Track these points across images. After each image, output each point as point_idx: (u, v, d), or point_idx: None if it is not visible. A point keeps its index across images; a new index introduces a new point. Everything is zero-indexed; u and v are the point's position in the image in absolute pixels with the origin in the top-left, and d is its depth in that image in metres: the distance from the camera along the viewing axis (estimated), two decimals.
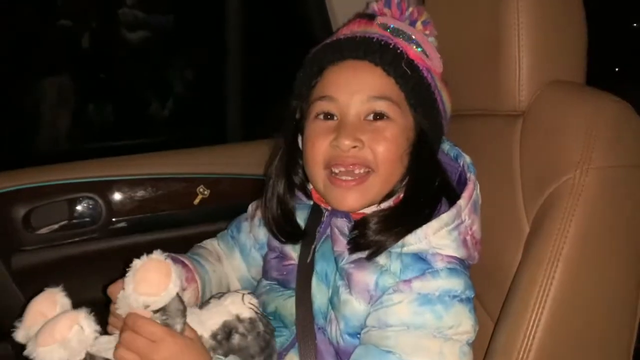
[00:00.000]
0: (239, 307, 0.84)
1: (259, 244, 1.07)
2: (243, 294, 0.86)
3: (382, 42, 0.87)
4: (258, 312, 0.86)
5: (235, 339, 0.82)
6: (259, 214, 1.04)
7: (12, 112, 2.11)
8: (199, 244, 1.12)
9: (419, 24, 0.92)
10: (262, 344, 0.84)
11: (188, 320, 0.77)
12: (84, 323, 0.74)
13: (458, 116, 0.98)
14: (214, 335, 0.81)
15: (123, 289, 0.74)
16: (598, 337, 0.82)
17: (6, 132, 2.03)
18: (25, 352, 0.73)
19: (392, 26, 0.89)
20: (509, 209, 0.88)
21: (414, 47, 0.88)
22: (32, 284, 1.29)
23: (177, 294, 0.75)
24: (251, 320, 0.84)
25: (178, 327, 0.75)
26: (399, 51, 0.87)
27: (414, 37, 0.89)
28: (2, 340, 1.30)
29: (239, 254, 1.10)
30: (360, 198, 0.86)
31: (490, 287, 0.90)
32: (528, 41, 0.87)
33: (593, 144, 0.77)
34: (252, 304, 0.85)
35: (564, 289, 0.77)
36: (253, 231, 1.08)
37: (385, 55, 0.86)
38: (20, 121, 2.16)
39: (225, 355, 0.80)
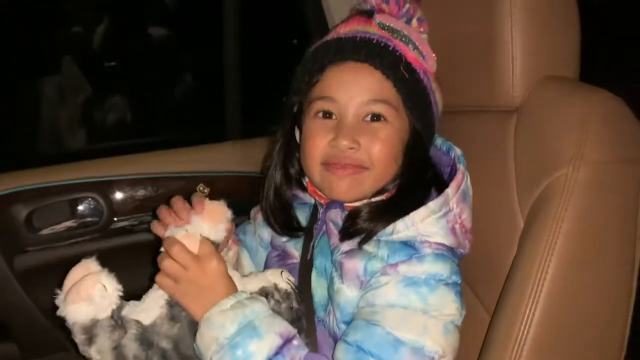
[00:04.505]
0: (278, 278, 0.89)
1: (264, 243, 1.10)
2: (282, 271, 0.91)
3: (382, 44, 0.88)
4: (294, 289, 0.90)
5: (271, 303, 0.86)
6: (260, 216, 1.07)
7: (12, 114, 2.11)
8: None
9: (414, 22, 0.94)
10: (294, 317, 0.88)
11: None
12: (106, 281, 0.80)
13: (453, 112, 0.99)
14: None
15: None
16: (592, 330, 0.83)
17: (7, 134, 2.03)
18: (57, 312, 0.80)
19: (390, 26, 0.90)
20: (503, 204, 0.89)
21: (412, 48, 0.90)
22: (36, 285, 1.31)
23: None
24: (287, 292, 0.88)
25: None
26: (397, 54, 0.88)
27: (411, 38, 0.90)
28: (8, 340, 1.32)
29: (247, 255, 1.13)
30: (353, 187, 0.89)
31: (486, 281, 0.92)
32: (521, 37, 0.87)
33: (585, 140, 0.78)
34: (289, 279, 0.90)
35: (557, 284, 0.78)
36: (258, 231, 1.11)
37: (385, 59, 0.87)
38: (20, 122, 2.16)
39: None
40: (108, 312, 0.80)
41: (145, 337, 0.81)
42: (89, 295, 0.78)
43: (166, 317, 0.83)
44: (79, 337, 0.79)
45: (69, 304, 0.78)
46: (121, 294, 0.81)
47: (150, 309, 0.84)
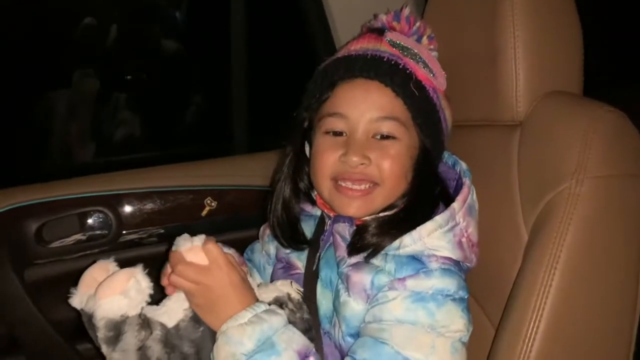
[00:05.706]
0: (289, 289, 0.90)
1: (271, 259, 1.10)
2: (291, 281, 0.92)
3: (392, 62, 0.89)
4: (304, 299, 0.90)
5: (286, 312, 0.85)
6: (267, 232, 1.08)
7: (22, 128, 2.13)
8: None
9: (424, 39, 0.96)
10: (307, 326, 0.88)
11: None
12: (140, 276, 0.80)
13: (457, 127, 1.00)
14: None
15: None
16: (596, 344, 0.84)
17: (17, 148, 2.06)
18: (86, 308, 0.79)
19: (400, 44, 0.91)
20: (508, 218, 0.90)
21: (422, 66, 0.91)
22: (45, 297, 1.33)
23: None
24: (299, 302, 0.89)
25: None
26: (407, 72, 0.90)
27: (422, 56, 0.91)
28: (17, 352, 1.33)
29: (257, 273, 1.13)
30: (363, 206, 0.90)
31: (491, 294, 0.92)
32: (524, 53, 0.88)
33: (588, 154, 0.79)
34: (299, 289, 0.91)
35: (561, 297, 0.78)
36: (265, 248, 1.11)
37: (395, 77, 0.89)
38: (30, 136, 2.19)
39: None
40: (138, 310, 0.79)
41: (169, 339, 0.81)
42: (124, 289, 0.77)
43: (191, 320, 0.83)
44: (104, 334, 0.77)
45: (101, 297, 0.77)
46: (152, 292, 0.81)
47: (172, 311, 0.83)
